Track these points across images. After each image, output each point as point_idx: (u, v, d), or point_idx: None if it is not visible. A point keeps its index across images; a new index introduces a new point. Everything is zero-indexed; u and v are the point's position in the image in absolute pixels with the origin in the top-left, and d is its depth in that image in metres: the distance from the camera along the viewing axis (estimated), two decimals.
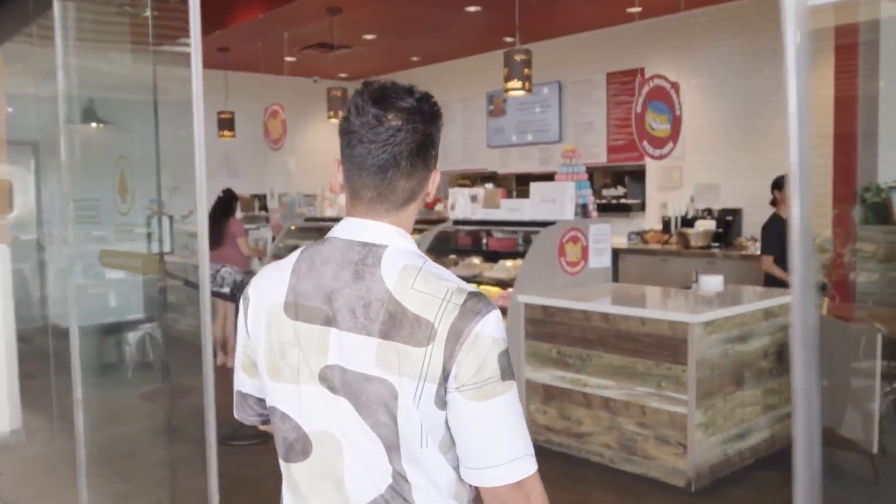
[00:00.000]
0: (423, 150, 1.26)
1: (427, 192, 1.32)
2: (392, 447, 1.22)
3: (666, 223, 7.57)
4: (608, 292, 5.20)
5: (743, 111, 7.34)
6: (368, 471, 1.24)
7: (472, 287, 1.24)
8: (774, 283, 5.21)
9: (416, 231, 6.41)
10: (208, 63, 8.11)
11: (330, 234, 1.32)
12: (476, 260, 5.87)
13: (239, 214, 9.80)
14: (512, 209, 5.66)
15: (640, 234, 7.63)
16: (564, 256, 5.22)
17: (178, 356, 6.51)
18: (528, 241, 6.12)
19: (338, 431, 1.24)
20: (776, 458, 4.61)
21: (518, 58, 5.53)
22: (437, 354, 1.18)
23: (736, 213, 7.26)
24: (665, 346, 4.20)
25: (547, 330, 4.79)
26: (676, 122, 5.20)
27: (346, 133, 1.29)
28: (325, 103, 7.47)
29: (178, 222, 10.07)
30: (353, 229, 1.28)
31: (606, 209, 8.04)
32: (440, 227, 6.00)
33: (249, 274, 7.69)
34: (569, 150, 5.47)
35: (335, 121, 7.51)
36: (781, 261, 5.22)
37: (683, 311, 4.30)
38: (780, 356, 4.71)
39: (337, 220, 7.35)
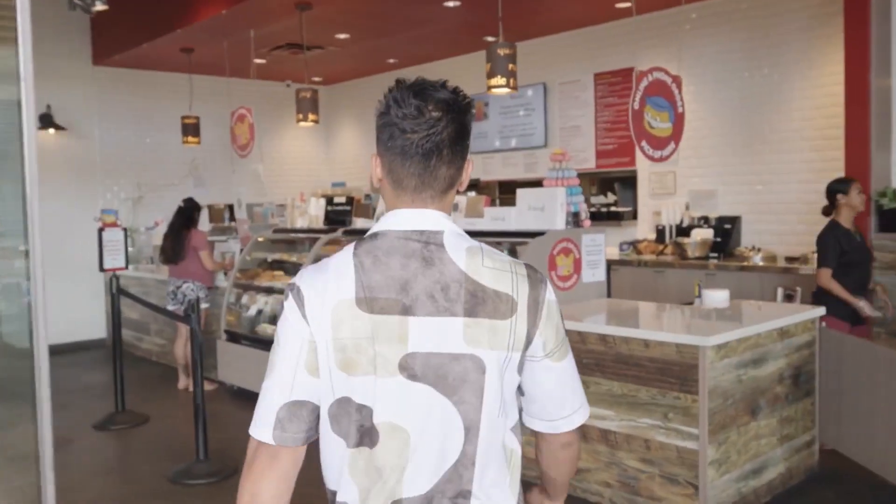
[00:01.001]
0: (461, 138, 1.34)
1: (462, 181, 1.39)
2: (472, 426, 1.29)
3: (660, 232, 7.10)
4: (604, 310, 4.71)
5: (740, 111, 6.90)
6: (430, 462, 1.29)
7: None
8: (826, 299, 4.64)
9: None
10: (171, 66, 7.51)
11: (378, 227, 1.35)
12: None
13: (207, 226, 9.27)
14: (497, 218, 5.16)
15: (633, 244, 7.16)
16: (555, 270, 4.73)
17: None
18: (514, 253, 5.63)
19: (408, 423, 1.29)
20: (794, 495, 4.13)
21: (502, 52, 5.04)
22: (521, 324, 1.31)
23: (734, 220, 6.81)
24: (672, 373, 3.71)
25: None
26: (679, 121, 4.72)
27: (386, 126, 1.33)
28: (295, 108, 6.94)
29: (142, 234, 9.43)
30: (404, 219, 1.33)
31: (596, 218, 7.55)
32: None
33: (214, 290, 7.13)
34: (557, 153, 4.99)
35: (305, 125, 6.99)
36: (842, 275, 4.66)
37: (692, 332, 3.81)
38: (797, 380, 4.23)
39: (309, 231, 6.74)
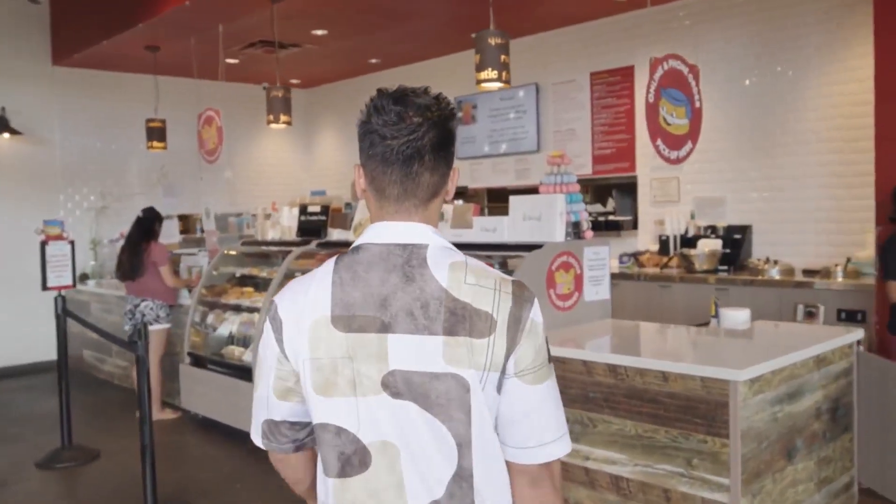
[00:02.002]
0: (444, 145, 1.33)
1: (447, 190, 1.39)
2: (464, 443, 1.27)
3: (663, 243, 6.55)
4: (611, 333, 4.14)
5: (751, 111, 6.36)
6: (425, 476, 1.27)
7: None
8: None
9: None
10: (136, 66, 6.84)
11: (360, 241, 1.34)
12: None
13: (177, 238, 8.64)
14: (487, 229, 4.59)
15: (634, 256, 6.60)
16: (554, 288, 4.16)
17: None
18: (506, 268, 5.06)
19: (398, 439, 1.27)
20: None
21: (493, 41, 4.46)
22: (500, 343, 1.27)
23: (745, 230, 6.26)
24: (697, 412, 3.13)
25: None
26: (696, 117, 4.15)
27: (367, 134, 1.32)
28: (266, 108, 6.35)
29: (106, 247, 8.77)
30: (387, 233, 1.32)
31: (592, 228, 6.98)
32: None
33: (176, 308, 6.51)
34: (556, 155, 4.42)
35: (277, 126, 6.40)
36: None
37: (720, 362, 3.23)
38: (834, 414, 3.66)
39: (281, 243, 6.14)
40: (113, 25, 7.17)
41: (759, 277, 5.71)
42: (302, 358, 1.29)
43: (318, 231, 6.01)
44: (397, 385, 1.24)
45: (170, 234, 8.39)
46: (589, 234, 4.41)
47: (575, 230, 4.36)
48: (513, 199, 4.46)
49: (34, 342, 8.28)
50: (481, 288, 1.27)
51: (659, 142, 4.19)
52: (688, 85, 4.11)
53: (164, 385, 6.38)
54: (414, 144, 1.28)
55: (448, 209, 4.97)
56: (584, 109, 7.53)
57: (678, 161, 4.13)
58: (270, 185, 10.33)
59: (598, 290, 4.44)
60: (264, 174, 10.37)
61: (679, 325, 4.33)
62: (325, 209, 6.02)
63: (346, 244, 5.53)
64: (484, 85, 4.60)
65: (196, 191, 9.23)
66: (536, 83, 7.90)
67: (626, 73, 7.16)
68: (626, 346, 3.75)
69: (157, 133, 7.75)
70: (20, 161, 8.33)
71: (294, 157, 10.79)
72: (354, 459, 1.28)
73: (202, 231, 8.46)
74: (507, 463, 1.32)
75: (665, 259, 6.35)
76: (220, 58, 7.09)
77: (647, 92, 4.09)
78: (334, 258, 1.34)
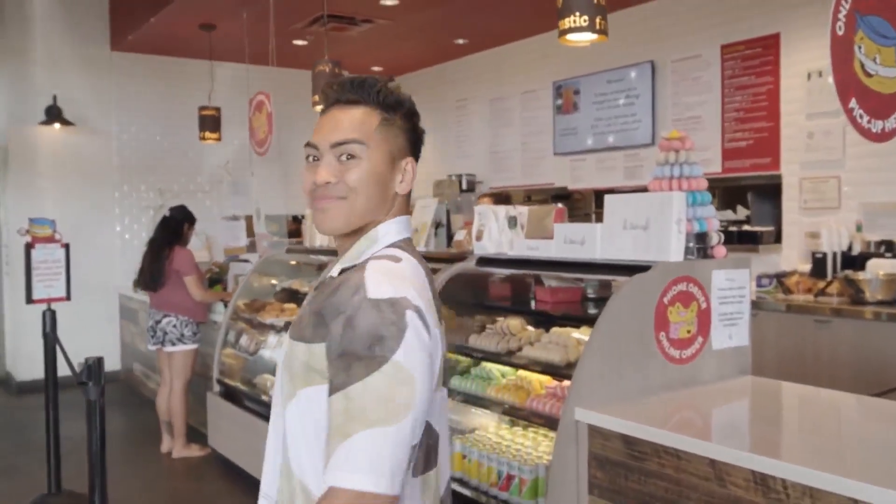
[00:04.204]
0: None
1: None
2: None
3: (818, 262, 4.99)
4: (754, 407, 2.75)
5: None
6: (447, 458, 1.43)
7: None
8: None
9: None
10: (190, 50, 4.92)
11: (400, 234, 1.40)
12: (514, 322, 3.51)
13: (243, 241, 7.72)
14: (572, 241, 3.26)
15: (778, 279, 5.07)
16: (666, 330, 2.80)
17: None
18: (601, 295, 3.74)
19: (443, 429, 1.38)
20: None
21: None
22: None
23: None
24: None
25: (633, 486, 2.39)
26: None
27: (419, 131, 1.54)
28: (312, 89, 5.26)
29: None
30: (406, 225, 1.44)
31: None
32: (456, 268, 3.66)
33: (209, 325, 5.53)
34: (674, 136, 3.06)
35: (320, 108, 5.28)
36: None
37: None
38: None
39: (329, 251, 5.12)
40: None
41: None
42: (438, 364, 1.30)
43: None
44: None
45: (235, 237, 7.51)
46: (720, 250, 3.02)
47: (699, 245, 2.98)
48: (609, 198, 3.13)
49: (87, 351, 7.54)
50: None
51: (853, 103, 2.66)
52: None
53: (189, 414, 5.40)
54: None
55: (523, 211, 3.69)
56: (713, 91, 6.04)
57: (883, 136, 2.61)
58: None
59: (732, 333, 3.04)
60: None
61: (861, 393, 2.86)
62: None
63: None
64: (569, 38, 3.27)
65: (265, 188, 8.32)
66: (652, 61, 6.47)
67: (770, 44, 5.63)
68: (786, 437, 2.37)
69: (210, 122, 6.85)
70: (72, 154, 7.65)
71: None
72: (433, 451, 1.34)
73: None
74: None
75: (821, 284, 4.80)
76: (271, 30, 6.05)
77: (835, 19, 2.61)
78: (395, 248, 1.36)
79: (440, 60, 8.67)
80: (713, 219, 3.00)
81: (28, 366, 7.23)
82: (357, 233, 1.37)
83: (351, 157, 1.33)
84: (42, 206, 7.32)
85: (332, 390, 1.20)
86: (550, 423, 2.97)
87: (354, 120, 1.34)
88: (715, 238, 3.01)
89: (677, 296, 2.83)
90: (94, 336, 7.66)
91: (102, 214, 7.80)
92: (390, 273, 1.27)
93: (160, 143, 8.11)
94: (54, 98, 7.36)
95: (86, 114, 7.63)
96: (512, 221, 3.71)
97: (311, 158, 1.37)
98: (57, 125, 7.39)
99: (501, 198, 6.43)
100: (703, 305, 2.92)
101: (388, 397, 1.16)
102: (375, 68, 9.02)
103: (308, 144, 1.37)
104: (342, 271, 1.35)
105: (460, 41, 7.77)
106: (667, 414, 2.60)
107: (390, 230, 1.39)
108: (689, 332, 2.88)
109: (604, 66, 6.83)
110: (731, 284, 3.02)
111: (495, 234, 3.72)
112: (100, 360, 3.03)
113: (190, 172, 8.30)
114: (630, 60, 6.59)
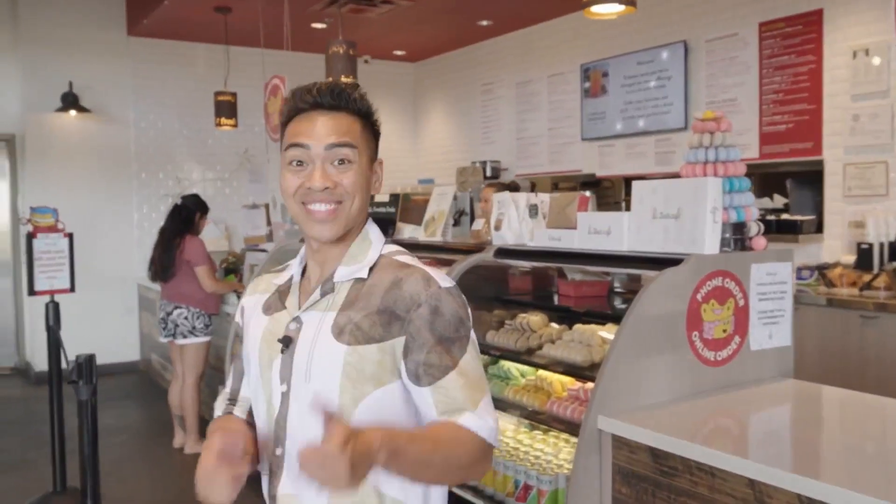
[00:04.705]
0: None
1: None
2: None
3: (863, 253, 4.67)
4: (797, 416, 2.50)
5: None
6: None
7: None
8: None
9: (439, 263, 3.95)
10: (206, 34, 5.06)
11: (383, 238, 1.46)
12: (535, 318, 3.28)
13: (263, 230, 7.56)
14: (598, 231, 3.01)
15: (820, 271, 4.76)
16: (700, 330, 2.55)
17: None
18: (629, 290, 3.49)
19: None
20: None
21: None
22: None
23: None
24: None
25: (661, 502, 2.15)
26: None
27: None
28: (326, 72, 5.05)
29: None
30: None
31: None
32: (474, 259, 3.43)
33: (222, 317, 5.37)
34: (708, 117, 2.79)
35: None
36: None
37: None
38: None
39: None
40: None
41: None
42: None
43: (386, 226, 4.64)
44: None
45: (256, 225, 7.36)
46: (760, 241, 2.75)
47: (736, 236, 2.71)
48: (637, 185, 2.87)
49: (105, 342, 7.51)
50: None
51: None
52: None
53: (202, 408, 5.25)
54: None
55: (544, 199, 3.45)
56: (750, 72, 5.71)
57: None
58: None
59: (772, 332, 2.78)
60: None
61: None
62: (395, 199, 4.63)
63: (417, 245, 4.15)
64: (594, 9, 3.01)
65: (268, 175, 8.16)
66: (685, 41, 6.15)
67: (812, 21, 5.29)
68: (835, 453, 2.10)
69: (226, 108, 6.67)
70: (88, 142, 7.53)
71: (400, 141, 9.51)
72: None
73: (291, 223, 7.32)
74: None
75: (867, 277, 4.48)
76: (286, 12, 5.84)
77: None
78: (394, 245, 1.47)
79: (464, 43, 8.41)
80: (751, 207, 2.74)
81: (46, 356, 7.15)
82: (345, 236, 1.40)
83: (344, 161, 1.35)
84: (58, 195, 7.22)
85: (443, 372, 1.31)
86: (572, 428, 2.74)
87: (343, 124, 1.36)
88: (754, 228, 2.75)
89: (712, 292, 2.57)
90: (112, 327, 7.58)
91: (120, 203, 7.69)
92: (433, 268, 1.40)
93: (178, 130, 7.96)
94: (70, 85, 7.24)
95: (102, 101, 7.51)
96: (533, 210, 3.47)
97: (295, 162, 1.35)
98: (73, 112, 7.27)
99: (509, 186, 6.11)
100: (741, 302, 2.66)
101: (480, 368, 1.36)
102: (397, 52, 8.80)
103: (296, 145, 1.35)
104: (357, 275, 1.40)
105: (485, 23, 7.50)
106: (700, 423, 2.35)
107: (375, 230, 1.46)
108: (724, 331, 2.63)
109: (634, 47, 6.53)
110: (772, 279, 2.76)
111: (515, 223, 3.48)
112: (90, 358, 2.85)
113: (209, 160, 8.16)
114: (661, 41, 6.28)
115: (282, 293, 1.46)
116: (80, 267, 7.43)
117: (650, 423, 2.24)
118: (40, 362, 7.29)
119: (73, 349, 7.34)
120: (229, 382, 1.59)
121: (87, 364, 2.80)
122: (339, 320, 1.34)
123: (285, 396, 1.36)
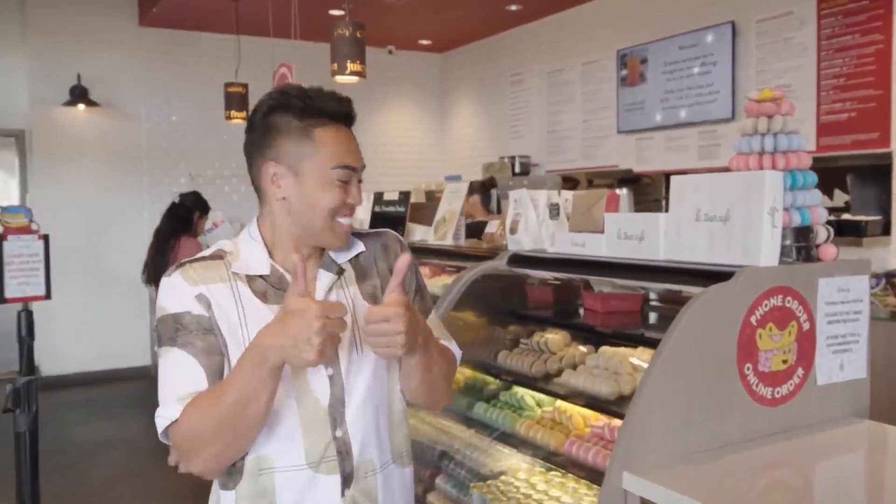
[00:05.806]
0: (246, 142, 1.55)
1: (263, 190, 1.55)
2: None
3: None
4: (878, 474, 1.98)
5: None
6: None
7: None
8: None
9: (446, 272, 3.51)
10: (217, 24, 4.76)
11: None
12: (554, 338, 2.80)
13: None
14: (629, 236, 2.51)
15: (888, 279, 4.18)
16: (754, 361, 2.05)
17: None
18: (667, 308, 2.99)
19: None
20: None
21: None
22: None
23: None
24: None
25: None
26: None
27: None
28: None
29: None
30: None
31: None
32: (484, 268, 2.96)
33: None
34: (766, 97, 2.27)
35: (343, 79, 4.67)
36: None
37: None
38: None
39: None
40: None
41: None
42: None
43: (396, 227, 4.18)
44: None
45: None
46: (830, 250, 2.23)
47: (800, 243, 2.19)
48: (677, 181, 2.36)
49: (117, 346, 7.22)
50: None
51: None
52: None
53: None
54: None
55: (567, 197, 2.96)
56: (807, 55, 5.14)
57: None
58: (396, 168, 8.65)
59: (844, 361, 2.25)
60: (388, 156, 8.70)
61: None
62: (405, 197, 4.18)
63: (424, 250, 3.71)
64: None
65: None
66: (733, 21, 5.60)
67: None
68: None
69: (236, 100, 6.28)
70: (98, 137, 7.23)
71: (426, 136, 9.05)
72: None
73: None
74: None
75: None
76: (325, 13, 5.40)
77: None
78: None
79: (492, 31, 7.94)
80: (818, 208, 2.21)
81: (53, 362, 6.90)
82: None
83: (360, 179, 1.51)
84: (66, 192, 6.95)
85: (425, 314, 1.55)
86: (594, 476, 2.26)
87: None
88: (822, 234, 2.22)
89: (770, 313, 2.06)
90: (121, 330, 7.29)
91: (130, 201, 7.38)
92: None
93: (191, 125, 7.63)
94: (78, 77, 6.93)
95: (113, 94, 7.20)
96: (554, 210, 2.98)
97: (341, 181, 1.42)
98: (82, 106, 6.97)
99: (484, 184, 5.52)
100: (806, 326, 2.14)
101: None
102: (423, 42, 8.35)
103: (348, 167, 1.43)
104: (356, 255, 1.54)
105: (514, 7, 7.03)
106: (754, 481, 1.85)
107: None
108: (785, 362, 2.11)
109: (675, 30, 6.01)
110: (845, 297, 2.23)
111: (533, 225, 3.00)
112: (29, 384, 2.44)
113: (224, 156, 7.81)
114: (706, 22, 5.74)
115: (272, 282, 1.45)
116: (88, 267, 7.22)
117: (690, 481, 1.75)
118: (48, 367, 7.02)
119: (79, 354, 7.14)
120: (187, 385, 1.41)
121: (24, 391, 2.39)
122: (364, 289, 1.49)
123: (334, 379, 1.40)
